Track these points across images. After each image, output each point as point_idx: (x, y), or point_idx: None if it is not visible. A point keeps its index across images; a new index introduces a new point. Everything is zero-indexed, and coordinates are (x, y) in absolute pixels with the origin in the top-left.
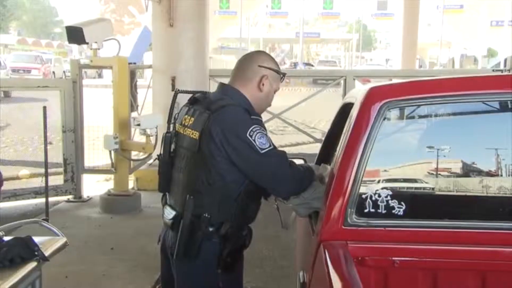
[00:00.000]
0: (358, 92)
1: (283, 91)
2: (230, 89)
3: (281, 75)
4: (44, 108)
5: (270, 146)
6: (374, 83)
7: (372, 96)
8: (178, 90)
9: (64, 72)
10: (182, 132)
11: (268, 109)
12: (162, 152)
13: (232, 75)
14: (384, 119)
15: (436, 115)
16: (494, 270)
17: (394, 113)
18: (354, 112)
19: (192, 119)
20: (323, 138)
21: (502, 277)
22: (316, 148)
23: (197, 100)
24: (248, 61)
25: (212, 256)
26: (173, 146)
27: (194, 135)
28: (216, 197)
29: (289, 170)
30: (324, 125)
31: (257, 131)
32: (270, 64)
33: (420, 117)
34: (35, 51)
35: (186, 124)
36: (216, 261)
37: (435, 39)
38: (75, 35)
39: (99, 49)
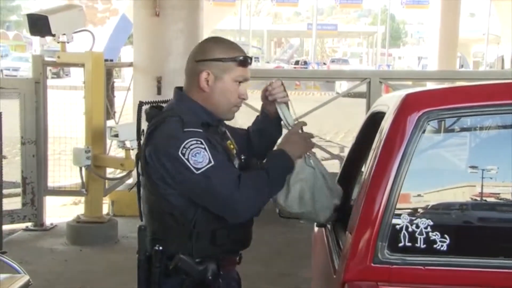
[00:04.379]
0: (390, 99)
1: (292, 96)
2: (179, 94)
3: (237, 59)
4: (0, 114)
5: (208, 163)
6: (404, 89)
7: (409, 104)
8: (141, 102)
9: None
10: None
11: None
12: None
13: None
14: (423, 132)
15: (482, 128)
16: None
17: (434, 126)
18: (386, 124)
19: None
20: (346, 154)
21: None
22: (333, 166)
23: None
24: (189, 60)
25: None
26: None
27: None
28: (168, 226)
29: (237, 192)
30: (343, 137)
31: (191, 147)
32: (211, 53)
33: (464, 130)
34: None
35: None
36: None
37: (481, 33)
38: (39, 24)
39: (68, 42)
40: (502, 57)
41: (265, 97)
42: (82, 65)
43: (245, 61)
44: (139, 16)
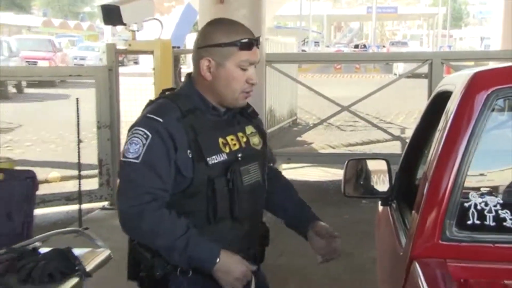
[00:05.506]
0: (458, 78)
1: (352, 79)
2: (187, 81)
3: (238, 43)
4: (77, 100)
5: (135, 158)
6: (468, 69)
7: (477, 82)
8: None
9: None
10: None
11: (336, 100)
12: None
13: None
14: (492, 110)
15: None
16: None
17: (504, 104)
18: (453, 103)
19: None
20: (406, 136)
21: None
22: (394, 147)
23: None
24: (193, 48)
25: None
26: None
27: None
28: None
29: (131, 200)
30: (403, 119)
31: (136, 134)
32: (211, 39)
33: None
34: (60, 35)
35: None
36: None
37: None
38: (111, 15)
39: (138, 30)
40: None
41: (321, 234)
42: (151, 52)
43: (248, 44)
44: (204, 3)
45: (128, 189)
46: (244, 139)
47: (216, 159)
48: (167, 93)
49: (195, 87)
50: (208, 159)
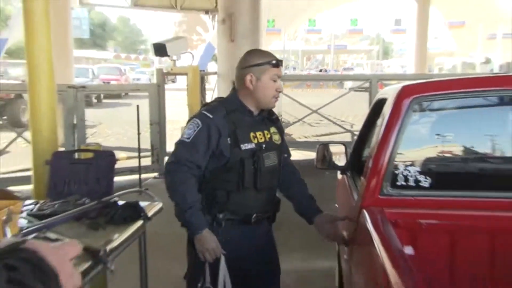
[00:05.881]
0: (391, 90)
1: (318, 92)
2: (232, 92)
3: (270, 63)
4: (137, 106)
5: (186, 138)
6: (397, 84)
7: (404, 92)
8: (216, 98)
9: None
10: None
11: (308, 105)
12: None
13: None
14: (413, 111)
15: (448, 108)
16: (501, 231)
17: (420, 106)
18: (388, 106)
19: None
20: (354, 129)
21: (508, 237)
22: (345, 137)
23: None
24: (236, 68)
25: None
26: None
27: None
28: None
29: (173, 165)
30: (352, 119)
31: (192, 123)
32: (251, 61)
33: (437, 110)
34: (125, 63)
35: None
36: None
37: (441, 49)
38: (160, 49)
39: (177, 60)
40: (455, 65)
41: (333, 224)
42: (185, 74)
43: (276, 63)
44: (220, 42)
45: (175, 154)
46: (268, 136)
47: (247, 146)
48: (218, 99)
49: (238, 96)
50: (241, 145)
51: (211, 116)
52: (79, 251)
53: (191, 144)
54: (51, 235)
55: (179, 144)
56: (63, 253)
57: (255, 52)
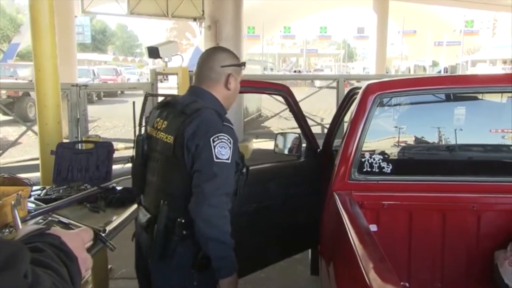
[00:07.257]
0: (358, 88)
1: (292, 89)
2: (202, 91)
3: (244, 64)
4: (133, 102)
5: (227, 159)
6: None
7: (370, 89)
8: (147, 93)
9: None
10: (154, 135)
11: (283, 101)
12: (135, 154)
13: (196, 76)
14: (377, 106)
15: (407, 104)
16: (451, 209)
17: (383, 102)
18: (356, 101)
19: (165, 122)
20: (324, 122)
21: (457, 215)
22: (316, 129)
23: (169, 103)
24: (210, 62)
25: (187, 258)
26: (145, 148)
27: (169, 139)
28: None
29: (219, 197)
30: (322, 113)
31: (222, 140)
32: (231, 60)
33: (398, 104)
34: (122, 65)
35: (158, 127)
36: (191, 262)
37: (397, 54)
38: (154, 52)
39: (168, 61)
40: (409, 67)
41: None
42: (176, 74)
43: (244, 67)
44: (207, 46)
45: (224, 187)
46: None
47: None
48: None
49: (217, 98)
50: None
51: (232, 126)
52: (92, 237)
53: (232, 164)
54: (63, 219)
55: (223, 167)
56: (79, 239)
57: (228, 51)
